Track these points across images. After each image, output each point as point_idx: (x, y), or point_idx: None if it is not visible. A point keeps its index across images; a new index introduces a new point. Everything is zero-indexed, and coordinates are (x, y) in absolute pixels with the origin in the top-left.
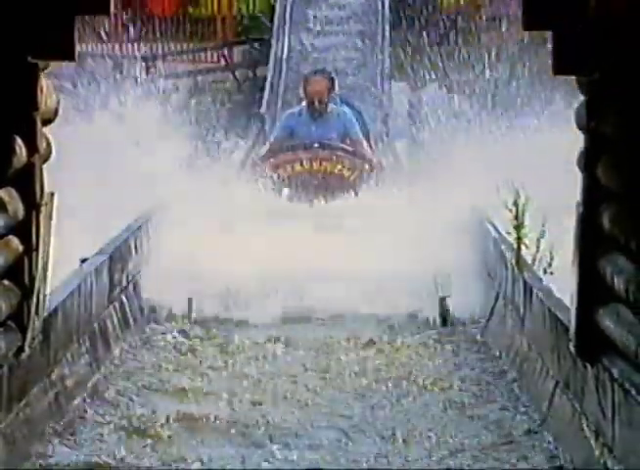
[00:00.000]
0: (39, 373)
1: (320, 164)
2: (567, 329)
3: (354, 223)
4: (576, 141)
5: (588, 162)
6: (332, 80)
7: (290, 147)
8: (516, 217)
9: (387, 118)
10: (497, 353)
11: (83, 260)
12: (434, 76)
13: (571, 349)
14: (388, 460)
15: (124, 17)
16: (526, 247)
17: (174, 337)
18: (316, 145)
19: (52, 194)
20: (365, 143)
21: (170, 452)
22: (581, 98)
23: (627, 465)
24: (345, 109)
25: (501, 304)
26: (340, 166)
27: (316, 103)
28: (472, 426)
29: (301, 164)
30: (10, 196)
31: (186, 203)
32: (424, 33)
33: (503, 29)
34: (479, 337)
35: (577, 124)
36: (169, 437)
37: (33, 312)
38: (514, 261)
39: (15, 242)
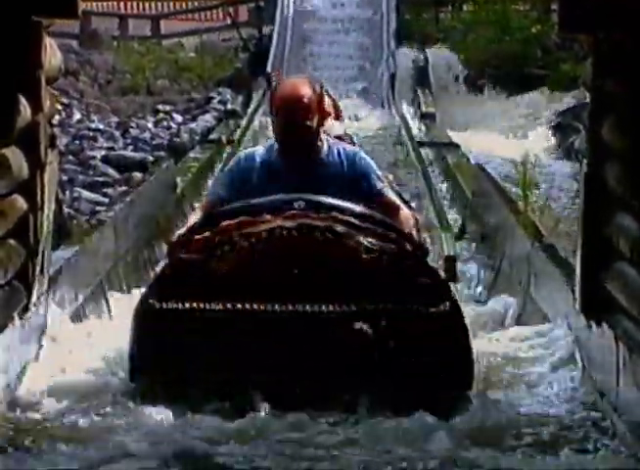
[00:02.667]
0: None
1: (308, 246)
2: (572, 288)
3: None
4: None
5: (593, 121)
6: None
7: (231, 212)
8: (523, 177)
9: (393, 79)
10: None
11: None
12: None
13: (577, 307)
14: None
15: None
16: (532, 210)
17: None
18: (297, 205)
19: (60, 153)
20: (397, 198)
21: None
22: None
23: (632, 423)
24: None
25: (507, 264)
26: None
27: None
28: None
29: (260, 247)
30: (14, 155)
31: None
32: None
33: None
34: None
35: (583, 84)
36: None
37: (39, 271)
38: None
39: (20, 201)
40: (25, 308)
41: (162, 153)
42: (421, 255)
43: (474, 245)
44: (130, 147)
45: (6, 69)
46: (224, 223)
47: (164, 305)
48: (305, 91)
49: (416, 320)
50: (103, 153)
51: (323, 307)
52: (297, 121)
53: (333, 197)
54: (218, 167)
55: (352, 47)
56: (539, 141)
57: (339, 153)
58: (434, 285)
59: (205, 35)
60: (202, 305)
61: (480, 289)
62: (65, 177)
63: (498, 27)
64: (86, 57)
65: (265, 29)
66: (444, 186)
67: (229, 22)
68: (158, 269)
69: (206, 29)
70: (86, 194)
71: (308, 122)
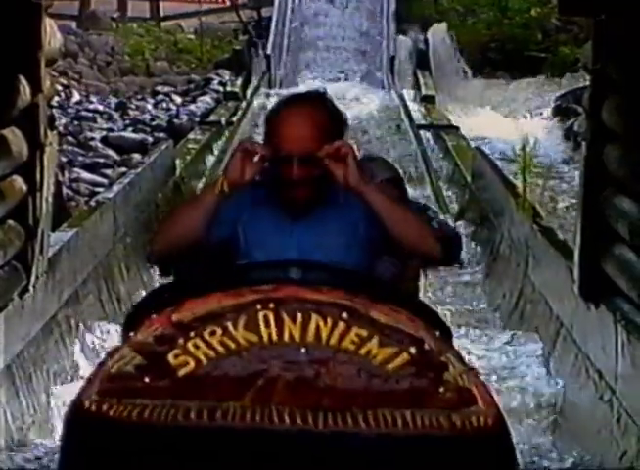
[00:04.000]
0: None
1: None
2: (571, 271)
3: None
4: None
5: (593, 103)
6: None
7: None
8: (523, 160)
9: (393, 61)
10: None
11: None
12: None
13: (576, 290)
14: None
15: None
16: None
17: None
18: (294, 275)
19: (59, 134)
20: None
21: None
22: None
23: (631, 406)
24: None
25: (505, 245)
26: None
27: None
28: None
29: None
30: (14, 136)
31: None
32: None
33: None
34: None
35: (583, 66)
36: None
37: (38, 252)
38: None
39: (19, 182)
40: (25, 290)
41: (162, 134)
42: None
43: (472, 227)
44: (129, 128)
45: (6, 50)
46: (186, 306)
47: (102, 409)
48: (314, 112)
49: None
50: (102, 134)
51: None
52: (302, 154)
53: (342, 251)
54: (218, 149)
55: (352, 29)
56: (539, 124)
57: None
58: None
59: (204, 17)
60: (150, 413)
61: (478, 270)
62: (64, 158)
63: (497, 10)
64: (85, 38)
65: (264, 11)
66: (444, 169)
67: (228, 3)
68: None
69: (206, 11)
70: (85, 175)
71: (313, 168)
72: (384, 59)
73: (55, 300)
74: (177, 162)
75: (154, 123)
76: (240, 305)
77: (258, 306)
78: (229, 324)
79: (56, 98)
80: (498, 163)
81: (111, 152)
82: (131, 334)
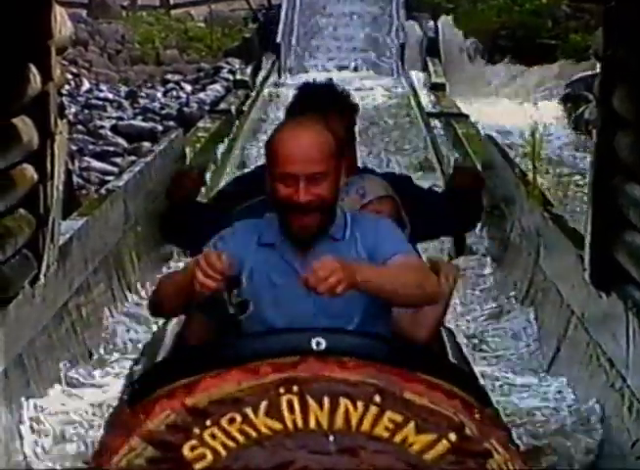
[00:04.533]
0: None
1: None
2: (582, 259)
3: None
4: None
5: (604, 90)
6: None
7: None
8: (533, 147)
9: (403, 49)
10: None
11: None
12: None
13: (586, 278)
14: None
15: None
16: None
17: None
18: (318, 345)
19: (69, 122)
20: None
21: None
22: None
23: None
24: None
25: (516, 234)
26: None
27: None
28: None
29: None
30: (24, 124)
31: None
32: None
33: None
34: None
35: (594, 53)
36: None
37: (49, 241)
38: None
39: (29, 171)
40: (36, 278)
41: (172, 122)
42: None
43: (483, 216)
44: (139, 117)
45: (16, 38)
46: (202, 386)
47: None
48: (318, 138)
49: None
50: (112, 122)
51: None
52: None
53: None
54: (228, 138)
55: (362, 17)
56: (549, 111)
57: (357, 226)
58: None
59: (214, 5)
60: None
61: (488, 260)
62: (74, 147)
63: None
64: (95, 27)
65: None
66: (453, 157)
67: None
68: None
69: None
70: (95, 163)
71: (320, 190)
72: (393, 46)
73: (66, 288)
74: (187, 150)
75: (163, 112)
76: (260, 388)
77: (281, 390)
78: (249, 410)
79: (66, 86)
80: (510, 152)
81: (120, 140)
82: (140, 416)
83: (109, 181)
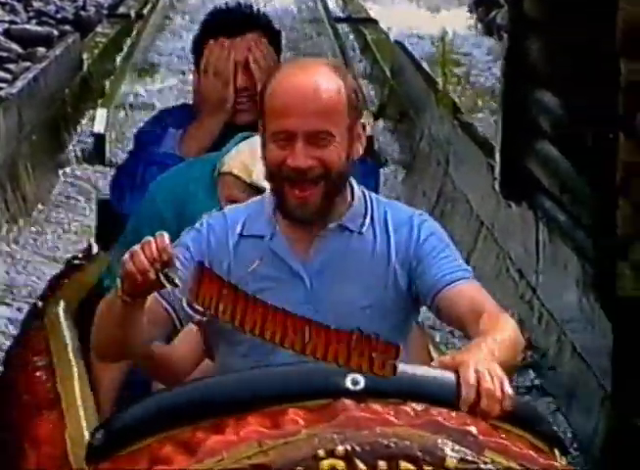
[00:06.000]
0: None
1: None
2: (492, 168)
3: None
4: None
5: None
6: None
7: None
8: (442, 54)
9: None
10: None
11: None
12: None
13: (496, 188)
14: None
15: None
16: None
17: None
18: (351, 385)
19: None
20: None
21: None
22: None
23: (551, 303)
24: None
25: (426, 142)
26: None
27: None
28: None
29: None
30: None
31: None
32: None
33: None
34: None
35: None
36: None
37: None
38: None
39: None
40: None
41: (68, 27)
42: None
43: (392, 124)
44: (34, 20)
45: None
46: (209, 445)
47: None
48: (327, 85)
49: None
50: (4, 27)
51: None
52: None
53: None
54: (127, 44)
55: None
56: (459, 16)
57: (385, 218)
58: None
59: None
60: None
61: (397, 168)
62: None
63: None
64: None
65: None
66: (362, 64)
67: None
68: None
69: None
70: None
71: (324, 154)
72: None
73: None
74: (84, 56)
75: (59, 16)
76: (292, 454)
77: (320, 452)
78: None
79: None
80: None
81: (14, 46)
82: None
83: (1, 89)
